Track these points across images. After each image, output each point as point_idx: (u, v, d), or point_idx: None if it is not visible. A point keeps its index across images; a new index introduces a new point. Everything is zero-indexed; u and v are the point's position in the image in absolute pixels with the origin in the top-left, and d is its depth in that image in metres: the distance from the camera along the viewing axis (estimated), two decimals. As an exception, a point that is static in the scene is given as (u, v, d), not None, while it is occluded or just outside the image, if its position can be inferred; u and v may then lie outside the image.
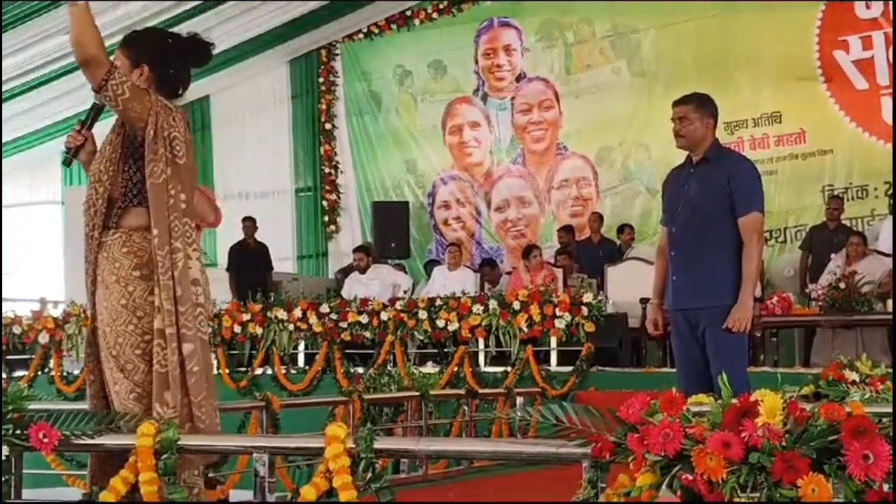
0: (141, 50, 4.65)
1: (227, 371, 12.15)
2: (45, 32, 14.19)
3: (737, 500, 2.87)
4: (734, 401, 3.06)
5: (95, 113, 4.62)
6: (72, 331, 12.63)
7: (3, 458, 3.99)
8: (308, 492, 3.98)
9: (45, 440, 4.01)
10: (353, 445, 3.95)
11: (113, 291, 4.51)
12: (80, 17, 4.29)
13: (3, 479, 4.04)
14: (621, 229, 14.58)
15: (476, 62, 17.39)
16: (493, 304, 11.34)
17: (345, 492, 3.88)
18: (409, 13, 17.56)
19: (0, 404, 4.03)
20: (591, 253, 14.24)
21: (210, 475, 6.69)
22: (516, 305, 11.20)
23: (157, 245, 4.46)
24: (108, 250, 4.54)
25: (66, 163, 4.63)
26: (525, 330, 11.11)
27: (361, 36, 18.04)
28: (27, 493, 4.57)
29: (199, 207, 5.75)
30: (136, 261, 4.51)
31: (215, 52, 15.34)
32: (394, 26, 17.73)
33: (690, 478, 2.94)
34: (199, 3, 14.74)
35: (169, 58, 4.71)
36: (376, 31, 17.87)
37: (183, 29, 13.99)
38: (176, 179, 4.56)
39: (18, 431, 4.03)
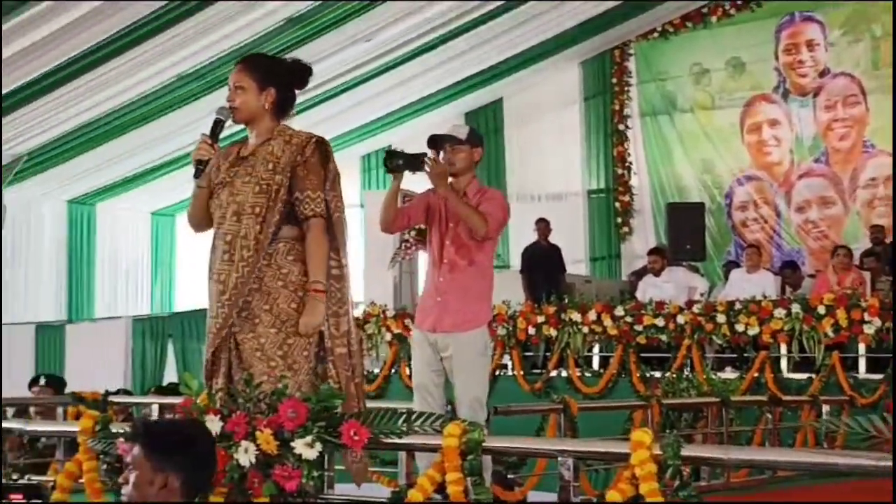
0: (270, 74, 4.88)
1: (522, 373, 12.20)
2: (351, 38, 14.64)
3: None
4: None
5: (220, 127, 4.77)
6: (371, 330, 12.95)
7: (317, 454, 4.09)
8: (613, 496, 3.90)
9: (356, 438, 4.08)
10: (660, 452, 3.83)
11: (279, 296, 4.69)
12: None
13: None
14: None
15: (776, 58, 16.89)
16: (795, 308, 10.95)
17: (652, 498, 3.78)
18: (705, 10, 17.26)
19: None
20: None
21: (509, 476, 6.73)
22: (821, 310, 10.79)
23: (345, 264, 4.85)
24: (270, 259, 4.72)
25: (197, 175, 4.72)
26: (831, 335, 10.69)
27: (656, 35, 17.83)
28: (340, 488, 4.69)
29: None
30: (303, 267, 4.74)
31: (509, 54, 15.56)
32: (689, 24, 17.45)
33: None
34: (500, 3, 14.86)
35: (290, 81, 4.94)
36: (671, 29, 17.62)
37: (480, 32, 14.23)
38: None
39: (330, 429, 4.12)
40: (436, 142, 6.02)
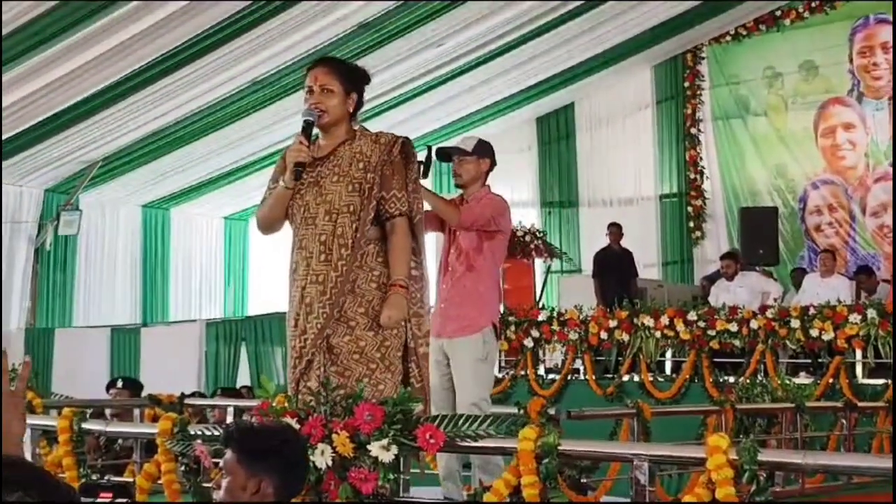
0: (352, 78, 4.94)
1: (594, 377, 12.17)
2: (422, 44, 14.69)
3: None
4: None
5: (311, 129, 4.80)
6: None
7: (393, 457, 4.12)
8: (690, 501, 3.89)
9: (432, 441, 4.10)
10: (736, 457, 3.82)
11: (374, 298, 4.73)
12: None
13: (392, 476, 4.15)
14: None
15: (851, 61, 16.68)
16: (871, 313, 10.80)
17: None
18: (778, 13, 17.10)
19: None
20: None
21: (582, 480, 6.71)
22: (896, 315, 10.64)
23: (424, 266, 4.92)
24: (361, 261, 4.74)
25: (298, 177, 4.72)
26: (907, 341, 10.53)
27: (729, 38, 17.71)
28: (415, 491, 4.72)
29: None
30: (388, 270, 4.77)
31: (580, 59, 15.53)
32: (762, 27, 17.30)
33: None
34: (571, 7, 14.82)
35: (363, 86, 5.02)
36: (744, 32, 17.49)
37: (550, 36, 14.15)
38: None
39: (406, 432, 4.15)
40: (444, 154, 6.09)
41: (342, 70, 4.91)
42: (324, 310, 4.65)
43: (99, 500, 2.56)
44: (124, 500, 2.49)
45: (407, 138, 4.92)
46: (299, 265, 4.76)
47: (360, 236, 4.70)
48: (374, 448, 4.21)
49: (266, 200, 4.90)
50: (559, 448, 4.03)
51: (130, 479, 5.40)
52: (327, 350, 4.68)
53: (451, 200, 6.17)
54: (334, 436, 4.27)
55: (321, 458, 4.27)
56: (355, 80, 4.93)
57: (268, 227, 4.98)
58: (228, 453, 3.44)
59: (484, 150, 6.21)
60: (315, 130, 4.90)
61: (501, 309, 7.34)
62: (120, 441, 8.12)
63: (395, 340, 4.72)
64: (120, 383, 9.99)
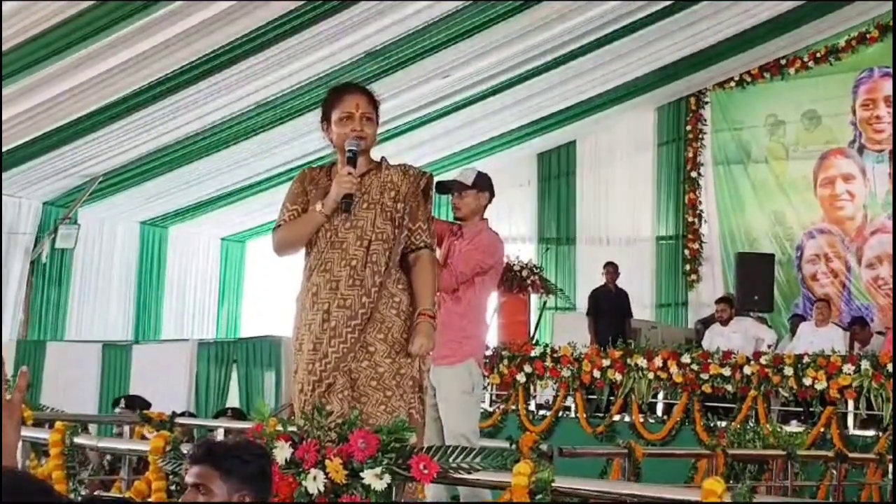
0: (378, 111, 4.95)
1: (585, 415, 12.15)
2: (427, 75, 14.71)
3: None
4: None
5: (357, 157, 4.78)
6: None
7: (385, 486, 4.09)
8: (682, 545, 3.87)
9: (426, 471, 4.08)
10: (730, 501, 3.80)
11: (393, 325, 4.72)
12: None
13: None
14: None
15: (853, 113, 16.75)
16: (865, 364, 10.82)
17: (721, 549, 3.75)
18: (783, 61, 17.18)
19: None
20: None
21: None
22: (891, 367, 10.65)
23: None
24: (383, 287, 4.72)
25: (347, 208, 4.70)
26: (899, 394, 10.54)
27: (733, 84, 17.79)
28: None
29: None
30: (410, 297, 4.78)
31: (585, 97, 15.48)
32: (767, 74, 17.38)
33: None
34: (578, 46, 14.84)
35: None
36: (748, 79, 17.58)
37: (556, 73, 14.11)
38: None
39: (400, 461, 4.13)
40: (444, 187, 6.09)
41: (375, 101, 4.92)
42: (352, 334, 4.65)
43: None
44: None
45: (431, 174, 4.94)
46: (321, 288, 4.71)
47: (391, 264, 4.73)
48: (368, 476, 4.19)
49: (291, 223, 4.83)
50: (553, 485, 4.00)
51: (128, 495, 5.38)
52: (347, 374, 4.67)
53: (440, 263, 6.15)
54: (327, 462, 4.25)
55: (313, 483, 4.24)
56: (378, 110, 4.94)
57: (289, 249, 4.90)
58: (206, 471, 3.38)
59: (483, 183, 6.22)
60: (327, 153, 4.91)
61: (487, 344, 7.33)
62: (108, 457, 8.11)
63: (409, 370, 4.71)
64: (123, 403, 10.01)
